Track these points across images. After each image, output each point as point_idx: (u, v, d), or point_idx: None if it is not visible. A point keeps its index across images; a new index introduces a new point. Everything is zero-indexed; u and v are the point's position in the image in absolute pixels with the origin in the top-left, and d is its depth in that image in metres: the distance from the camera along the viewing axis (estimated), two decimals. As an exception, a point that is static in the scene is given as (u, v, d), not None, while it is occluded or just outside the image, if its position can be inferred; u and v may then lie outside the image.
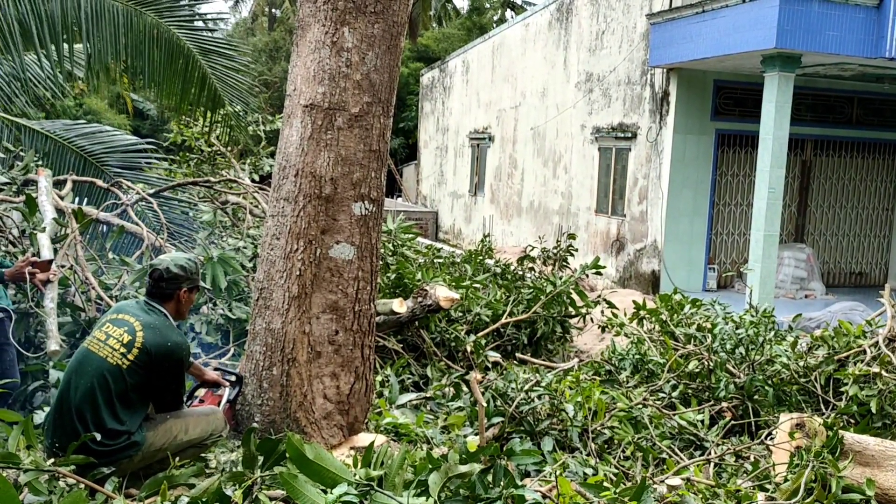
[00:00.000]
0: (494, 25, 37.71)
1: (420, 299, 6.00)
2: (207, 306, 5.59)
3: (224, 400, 3.95)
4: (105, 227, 6.85)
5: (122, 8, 7.94)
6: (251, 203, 7.28)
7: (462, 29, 40.17)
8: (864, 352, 5.28)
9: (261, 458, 2.65)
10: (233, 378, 4.04)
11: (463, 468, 2.40)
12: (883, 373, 4.96)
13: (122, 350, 3.41)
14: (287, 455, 2.33)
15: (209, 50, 8.57)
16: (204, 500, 2.59)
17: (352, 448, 3.89)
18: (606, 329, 7.15)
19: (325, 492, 2.34)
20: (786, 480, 3.82)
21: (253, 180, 8.96)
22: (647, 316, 6.93)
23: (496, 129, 19.58)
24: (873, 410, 4.77)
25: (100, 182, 7.58)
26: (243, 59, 9.12)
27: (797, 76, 11.00)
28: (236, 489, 2.73)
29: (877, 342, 5.30)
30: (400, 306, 5.94)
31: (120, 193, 7.25)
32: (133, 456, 3.38)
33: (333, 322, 3.95)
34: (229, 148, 10.39)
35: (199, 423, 3.63)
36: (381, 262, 6.92)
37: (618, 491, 3.13)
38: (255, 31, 38.68)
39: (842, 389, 5.11)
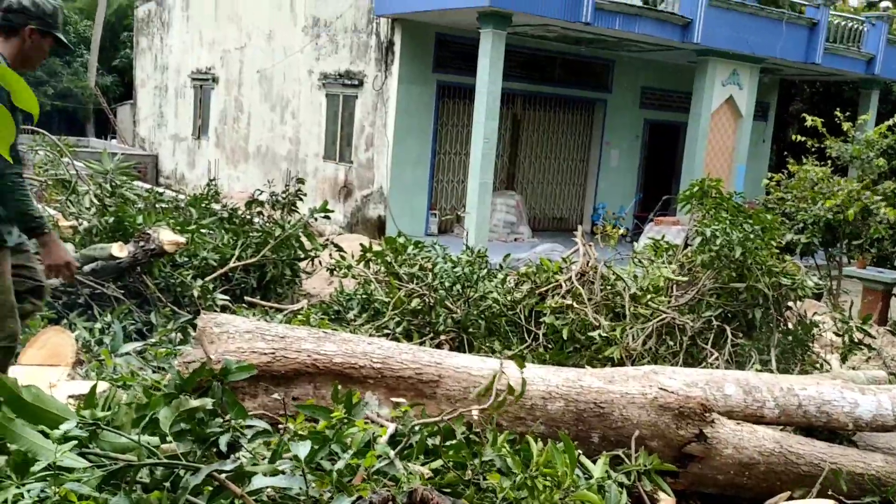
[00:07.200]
0: (217, -40, 35.84)
1: (142, 243, 5.76)
2: None
3: None
4: None
5: None
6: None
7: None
8: (560, 286, 5.97)
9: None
10: None
11: (195, 402, 2.44)
12: (574, 304, 5.66)
13: None
14: None
15: None
16: None
17: (69, 396, 3.72)
18: (335, 272, 7.34)
19: (47, 434, 2.26)
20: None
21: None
22: (373, 258, 7.22)
23: (221, 70, 18.85)
24: (565, 337, 5.45)
25: None
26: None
27: (509, 35, 11.84)
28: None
29: (570, 277, 6.01)
30: (119, 251, 5.67)
31: None
32: None
33: None
34: None
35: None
36: (98, 204, 6.53)
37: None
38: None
39: (542, 320, 5.75)
